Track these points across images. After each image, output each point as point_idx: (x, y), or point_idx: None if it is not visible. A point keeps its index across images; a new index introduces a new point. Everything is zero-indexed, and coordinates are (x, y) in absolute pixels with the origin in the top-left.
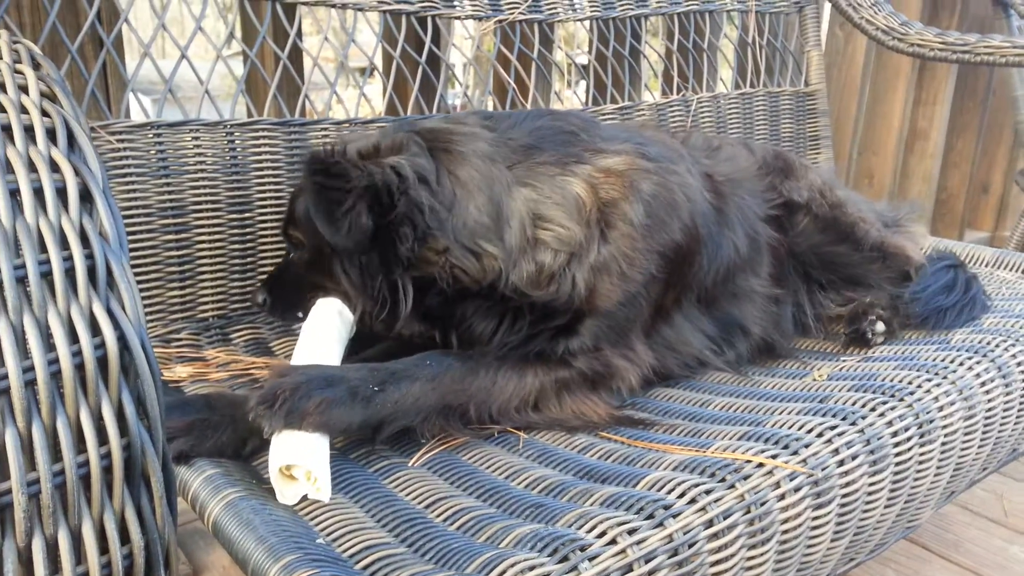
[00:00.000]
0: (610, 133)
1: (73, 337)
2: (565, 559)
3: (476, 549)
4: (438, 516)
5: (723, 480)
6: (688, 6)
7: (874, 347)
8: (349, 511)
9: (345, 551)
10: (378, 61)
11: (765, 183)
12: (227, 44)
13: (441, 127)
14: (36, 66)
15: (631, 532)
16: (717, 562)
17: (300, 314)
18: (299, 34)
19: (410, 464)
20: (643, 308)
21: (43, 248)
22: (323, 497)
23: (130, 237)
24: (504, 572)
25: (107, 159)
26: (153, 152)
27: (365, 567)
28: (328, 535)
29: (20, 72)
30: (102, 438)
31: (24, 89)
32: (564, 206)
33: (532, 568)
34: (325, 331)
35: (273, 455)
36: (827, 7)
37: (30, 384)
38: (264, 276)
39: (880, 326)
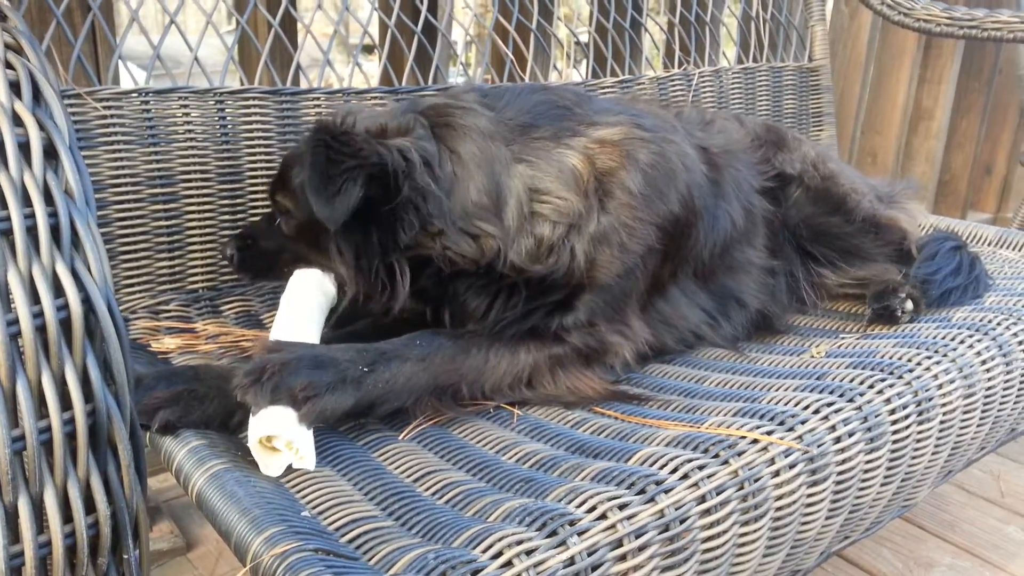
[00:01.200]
0: (604, 106)
1: (35, 298)
2: (554, 533)
3: (464, 523)
4: (426, 490)
5: (716, 456)
6: None
7: (902, 324)
8: (336, 484)
9: (331, 524)
10: (374, 32)
11: (758, 155)
12: (225, 18)
13: (442, 102)
14: (2, 18)
15: (621, 507)
16: (709, 538)
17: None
18: (292, 2)
19: (399, 438)
20: (639, 281)
21: (3, 205)
22: (308, 465)
23: (117, 207)
24: (491, 546)
25: (94, 126)
26: (141, 120)
27: (350, 540)
28: (314, 508)
29: None
30: (65, 404)
31: None
32: (561, 178)
33: (520, 543)
34: (306, 304)
35: (252, 428)
36: None
37: None
38: (238, 230)
39: (909, 304)
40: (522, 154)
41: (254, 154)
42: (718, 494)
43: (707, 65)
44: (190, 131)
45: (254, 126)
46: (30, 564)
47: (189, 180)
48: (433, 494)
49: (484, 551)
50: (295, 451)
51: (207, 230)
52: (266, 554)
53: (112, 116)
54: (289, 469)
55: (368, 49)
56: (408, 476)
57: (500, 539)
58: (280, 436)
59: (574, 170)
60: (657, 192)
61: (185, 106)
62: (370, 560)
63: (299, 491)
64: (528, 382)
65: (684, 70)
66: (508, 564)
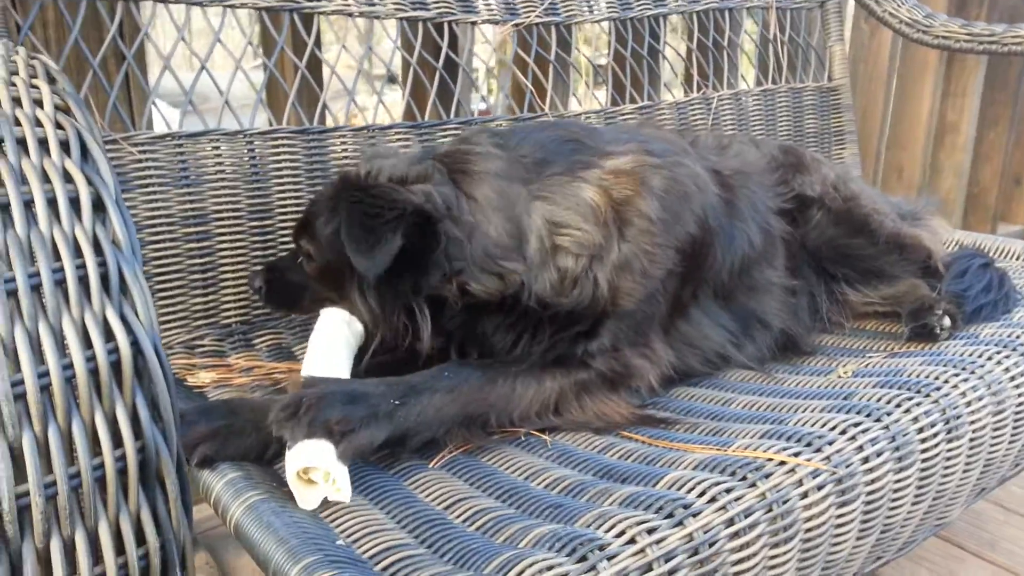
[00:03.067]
0: (612, 135)
1: (87, 343)
2: (584, 559)
3: (495, 549)
4: (457, 517)
5: (744, 479)
6: (707, 4)
7: (941, 342)
8: (369, 512)
9: (365, 552)
10: (396, 68)
11: (775, 177)
12: (250, 56)
13: (457, 149)
14: (51, 80)
15: (650, 531)
16: (739, 561)
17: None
18: (317, 43)
19: (430, 466)
20: (661, 305)
21: (57, 257)
22: (344, 498)
23: (153, 246)
24: (523, 572)
25: (130, 170)
26: (175, 162)
27: (385, 568)
28: (348, 536)
29: (36, 87)
30: (117, 441)
31: (39, 103)
32: (579, 211)
33: (551, 568)
34: (335, 341)
35: (290, 461)
36: (850, 1)
37: (46, 389)
38: (268, 261)
39: (947, 321)
40: (540, 191)
41: (283, 191)
42: (746, 517)
43: (726, 88)
44: (222, 171)
45: (283, 164)
46: None
47: (221, 219)
48: (464, 521)
49: None
50: (332, 482)
51: (239, 266)
52: None
53: (147, 160)
54: (325, 501)
55: (391, 79)
56: (439, 503)
57: (531, 565)
58: (318, 468)
59: (591, 202)
60: (674, 216)
61: (217, 148)
62: None
63: (333, 520)
64: (555, 409)
65: (703, 94)
66: None
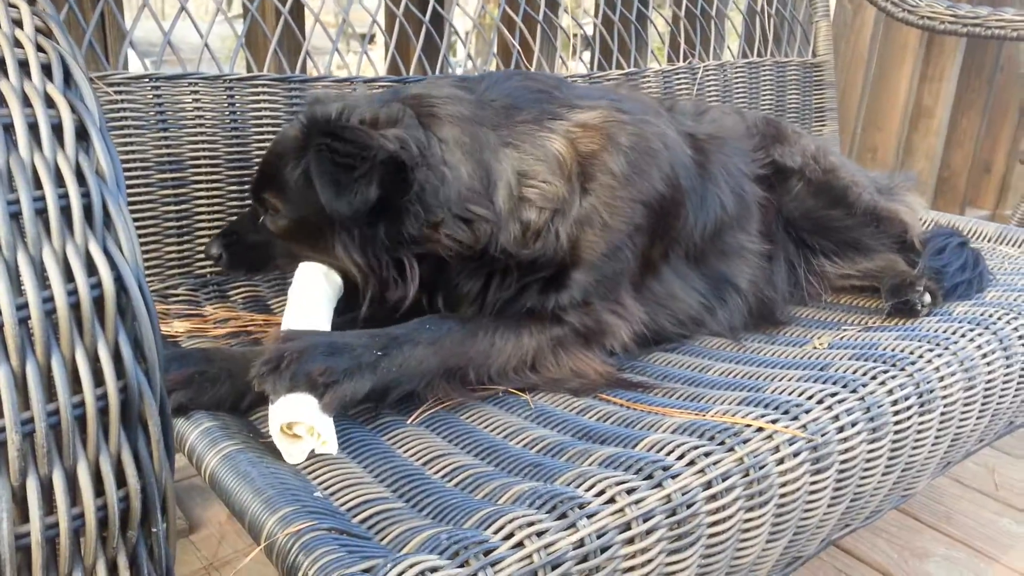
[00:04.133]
0: (584, 92)
1: (69, 276)
2: (563, 516)
3: (474, 505)
4: (436, 473)
5: (722, 443)
6: None
7: (921, 317)
8: (347, 466)
9: (343, 505)
10: (381, 19)
11: (753, 143)
12: (227, 2)
13: (423, 92)
14: (31, 1)
15: (629, 492)
16: (715, 523)
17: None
18: None
19: (408, 422)
20: (629, 260)
21: (38, 185)
22: (330, 450)
23: (128, 191)
24: (502, 527)
25: (104, 111)
26: (151, 105)
27: (362, 520)
28: (326, 489)
29: (14, 6)
30: (98, 379)
31: (18, 23)
32: (546, 162)
33: (531, 524)
34: (314, 295)
35: (273, 416)
36: None
37: (24, 322)
38: (221, 227)
39: (928, 297)
40: (509, 138)
41: (262, 140)
42: (724, 480)
43: (711, 59)
44: (200, 117)
45: (263, 112)
46: (64, 536)
47: (198, 166)
48: (443, 477)
49: (495, 532)
50: (317, 436)
51: (216, 215)
52: (280, 533)
53: (123, 101)
54: (310, 454)
55: (371, 38)
56: (417, 459)
57: (511, 520)
58: (302, 422)
59: (558, 154)
60: (638, 171)
61: (195, 92)
62: (382, 540)
63: (311, 472)
64: (532, 365)
65: (689, 63)
66: (519, 545)
